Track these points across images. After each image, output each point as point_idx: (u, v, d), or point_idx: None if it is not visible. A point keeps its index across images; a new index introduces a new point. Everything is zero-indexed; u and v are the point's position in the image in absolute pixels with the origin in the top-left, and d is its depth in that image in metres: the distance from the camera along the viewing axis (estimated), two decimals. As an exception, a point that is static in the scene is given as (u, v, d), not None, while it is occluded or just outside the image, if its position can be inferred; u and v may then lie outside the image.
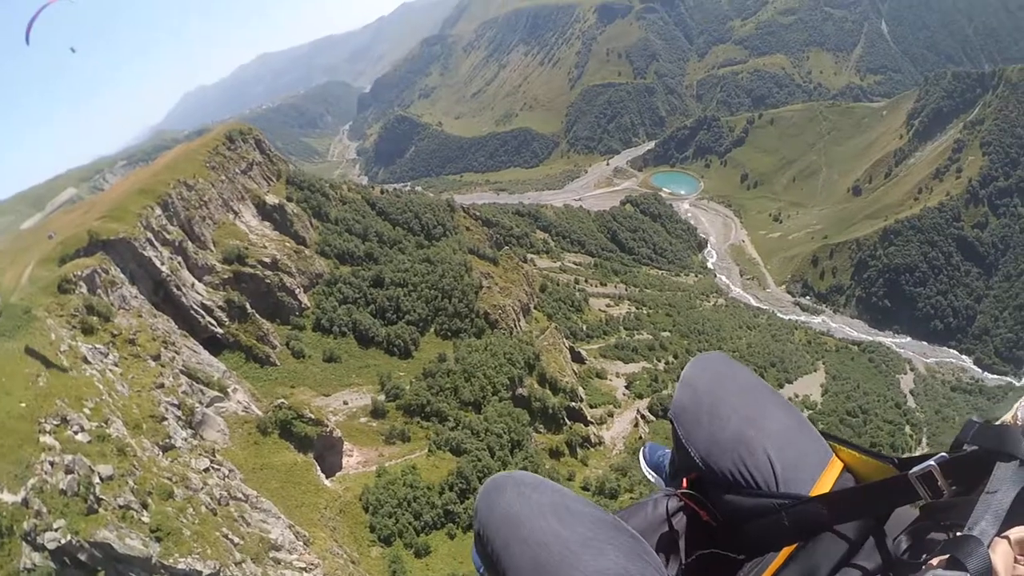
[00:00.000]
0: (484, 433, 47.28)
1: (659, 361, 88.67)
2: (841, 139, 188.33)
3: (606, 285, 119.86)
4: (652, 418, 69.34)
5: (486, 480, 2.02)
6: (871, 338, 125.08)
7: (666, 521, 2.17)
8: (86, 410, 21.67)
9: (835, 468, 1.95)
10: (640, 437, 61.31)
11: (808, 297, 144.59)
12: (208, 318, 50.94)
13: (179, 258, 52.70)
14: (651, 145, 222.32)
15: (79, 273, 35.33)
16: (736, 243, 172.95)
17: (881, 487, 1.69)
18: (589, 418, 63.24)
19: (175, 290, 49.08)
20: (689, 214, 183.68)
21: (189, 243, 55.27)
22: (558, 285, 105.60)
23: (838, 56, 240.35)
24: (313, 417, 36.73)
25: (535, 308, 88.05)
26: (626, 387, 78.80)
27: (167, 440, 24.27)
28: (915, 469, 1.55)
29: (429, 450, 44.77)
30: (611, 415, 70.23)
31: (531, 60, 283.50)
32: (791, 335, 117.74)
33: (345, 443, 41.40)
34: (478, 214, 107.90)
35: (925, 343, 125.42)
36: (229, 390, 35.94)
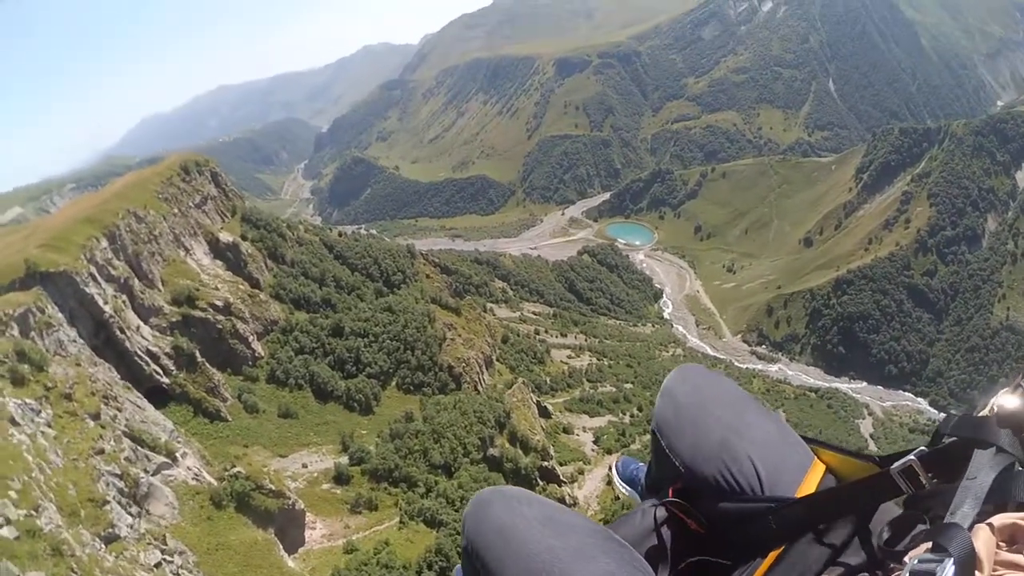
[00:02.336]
0: (460, 501, 43.49)
1: (624, 414, 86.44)
2: (792, 192, 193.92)
3: (566, 336, 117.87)
4: (624, 476, 66.52)
5: (473, 496, 2.03)
6: (828, 384, 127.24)
7: (654, 531, 2.18)
8: (12, 493, 17.56)
9: (818, 470, 2.00)
10: (617, 498, 58.24)
11: (764, 346, 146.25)
12: (154, 366, 46.15)
13: (124, 296, 47.99)
14: (606, 196, 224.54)
15: (11, 312, 30.85)
16: (691, 293, 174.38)
17: (864, 484, 1.74)
18: (562, 477, 59.99)
19: (118, 333, 44.35)
20: (644, 264, 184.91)
21: (136, 280, 50.59)
22: (519, 336, 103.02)
23: (787, 113, 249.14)
24: (273, 488, 32.53)
25: (497, 360, 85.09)
26: (594, 442, 75.96)
27: (110, 530, 20.21)
28: (896, 464, 1.60)
29: (401, 521, 40.64)
30: (582, 472, 67.04)
31: (490, 109, 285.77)
32: (749, 384, 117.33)
33: (307, 514, 37.06)
34: (437, 261, 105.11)
35: (881, 387, 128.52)
36: (178, 454, 31.57)
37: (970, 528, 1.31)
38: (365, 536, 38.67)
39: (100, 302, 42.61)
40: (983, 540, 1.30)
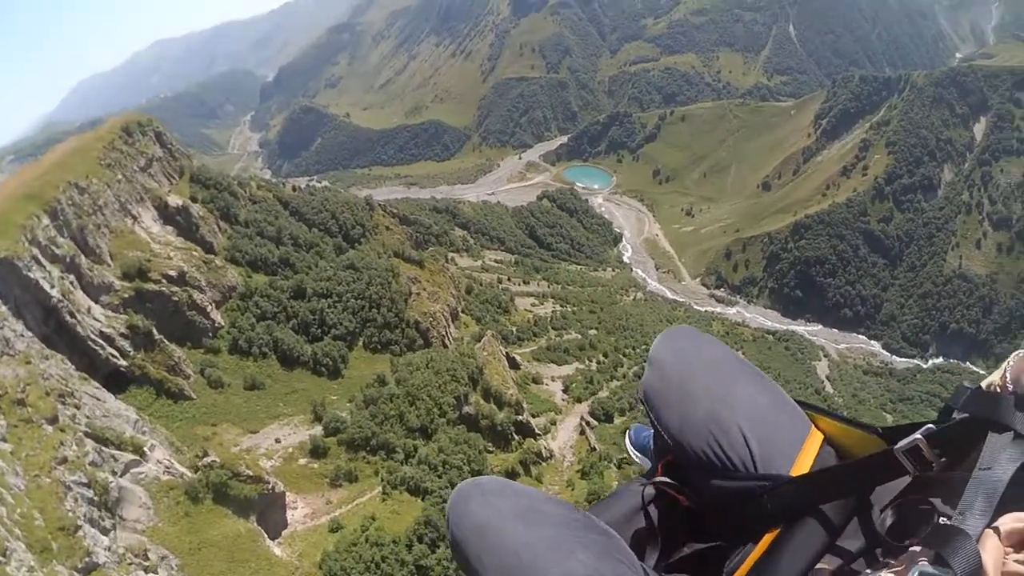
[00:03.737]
0: (443, 466, 43.01)
1: (591, 361, 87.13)
2: (750, 136, 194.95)
3: (529, 283, 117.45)
4: (595, 423, 67.52)
5: (453, 491, 1.98)
6: (785, 327, 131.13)
7: (642, 510, 2.10)
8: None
9: (815, 441, 1.89)
10: (593, 448, 58.90)
11: (723, 289, 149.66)
12: (109, 349, 43.79)
13: (72, 277, 45.09)
14: (564, 140, 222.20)
15: (-52, 316, 28.36)
16: (650, 237, 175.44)
17: (866, 464, 1.64)
18: (536, 430, 60.21)
19: (68, 318, 41.76)
20: (603, 208, 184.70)
21: (83, 257, 47.52)
22: (483, 286, 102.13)
23: (747, 56, 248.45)
24: (251, 473, 31.28)
25: (463, 312, 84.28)
26: (564, 391, 76.46)
27: (87, 559, 18.65)
28: (901, 444, 1.50)
29: (384, 491, 39.94)
30: (554, 423, 67.53)
31: (443, 51, 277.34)
32: (709, 327, 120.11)
33: (287, 494, 36.10)
34: (395, 211, 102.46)
35: (836, 330, 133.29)
36: (145, 448, 29.98)
37: (978, 536, 1.21)
38: (349, 511, 37.92)
39: (46, 286, 39.90)
40: (990, 550, 1.20)
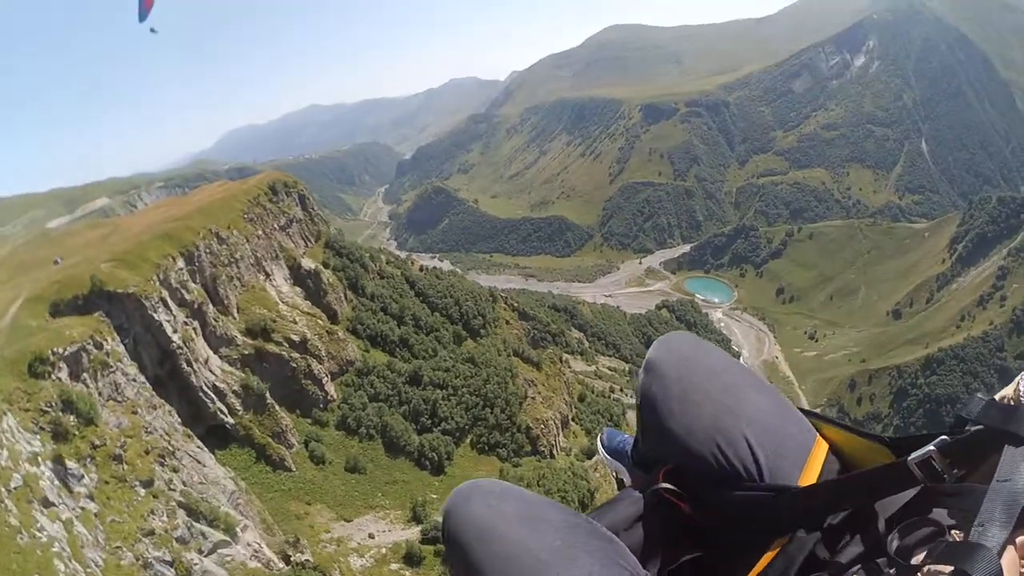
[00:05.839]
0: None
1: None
2: (881, 259, 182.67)
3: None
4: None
5: (452, 491, 1.93)
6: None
7: (642, 518, 2.04)
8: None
9: (821, 451, 1.86)
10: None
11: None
12: (219, 403, 42.34)
13: (196, 323, 44.63)
14: (686, 248, 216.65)
15: (60, 351, 26.71)
16: (769, 359, 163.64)
17: (877, 474, 1.60)
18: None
19: (185, 365, 40.77)
20: (722, 324, 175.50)
21: (210, 306, 47.34)
22: (595, 394, 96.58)
23: (878, 173, 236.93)
24: (344, 583, 27.42)
25: (573, 420, 79.11)
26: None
27: None
28: (914, 455, 1.45)
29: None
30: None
31: (572, 150, 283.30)
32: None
33: (375, 610, 31.78)
34: (516, 305, 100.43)
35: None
36: (238, 528, 26.92)
37: (1001, 549, 1.17)
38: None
39: (169, 330, 39.16)
40: (1008, 562, 1.18)
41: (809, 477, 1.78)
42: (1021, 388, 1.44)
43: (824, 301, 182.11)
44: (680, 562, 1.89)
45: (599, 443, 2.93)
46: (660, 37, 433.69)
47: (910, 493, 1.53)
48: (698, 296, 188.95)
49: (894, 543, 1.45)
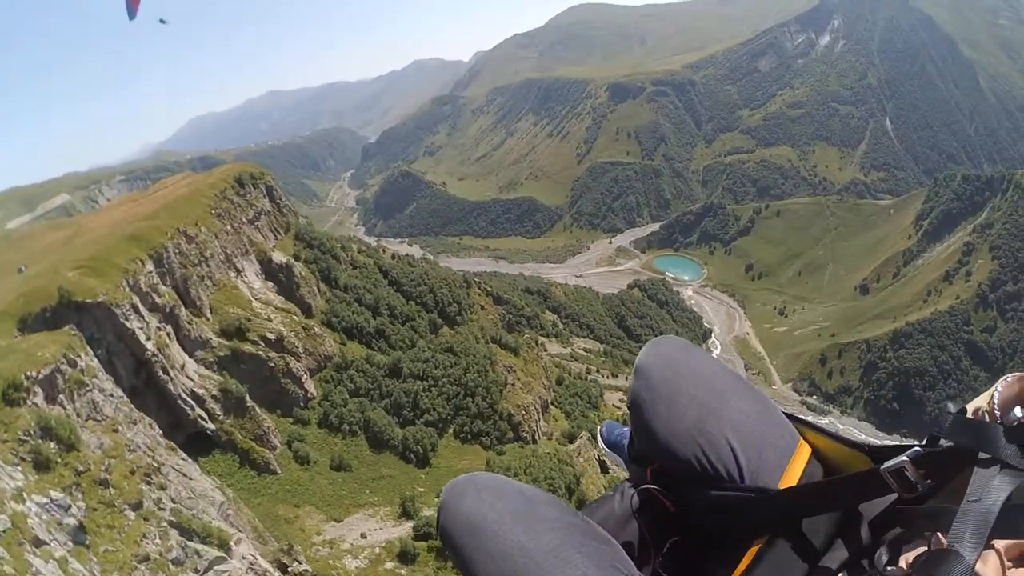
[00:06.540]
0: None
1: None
2: (848, 235, 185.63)
3: (618, 376, 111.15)
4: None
5: (447, 484, 1.93)
6: (880, 441, 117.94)
7: (634, 516, 2.06)
8: None
9: (803, 455, 1.89)
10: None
11: (815, 396, 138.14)
12: (198, 410, 41.09)
13: (169, 328, 43.14)
14: (655, 227, 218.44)
15: (33, 374, 25.30)
16: (740, 335, 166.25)
17: (852, 481, 1.64)
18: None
19: (161, 373, 39.34)
20: (693, 301, 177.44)
21: (182, 308, 45.74)
22: (572, 377, 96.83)
23: (843, 151, 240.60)
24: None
25: (552, 404, 79.23)
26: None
27: None
28: (887, 464, 1.48)
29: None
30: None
31: (540, 130, 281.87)
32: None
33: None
34: (490, 290, 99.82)
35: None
36: (232, 542, 26.20)
37: (974, 560, 1.18)
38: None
39: (142, 338, 37.67)
40: (992, 566, 1.21)
41: (789, 481, 1.80)
42: (996, 399, 1.43)
43: (793, 277, 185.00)
44: (666, 547, 1.93)
45: (599, 436, 3.09)
46: (625, 16, 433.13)
47: (888, 499, 1.58)
48: (668, 274, 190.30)
49: (883, 559, 1.49)
